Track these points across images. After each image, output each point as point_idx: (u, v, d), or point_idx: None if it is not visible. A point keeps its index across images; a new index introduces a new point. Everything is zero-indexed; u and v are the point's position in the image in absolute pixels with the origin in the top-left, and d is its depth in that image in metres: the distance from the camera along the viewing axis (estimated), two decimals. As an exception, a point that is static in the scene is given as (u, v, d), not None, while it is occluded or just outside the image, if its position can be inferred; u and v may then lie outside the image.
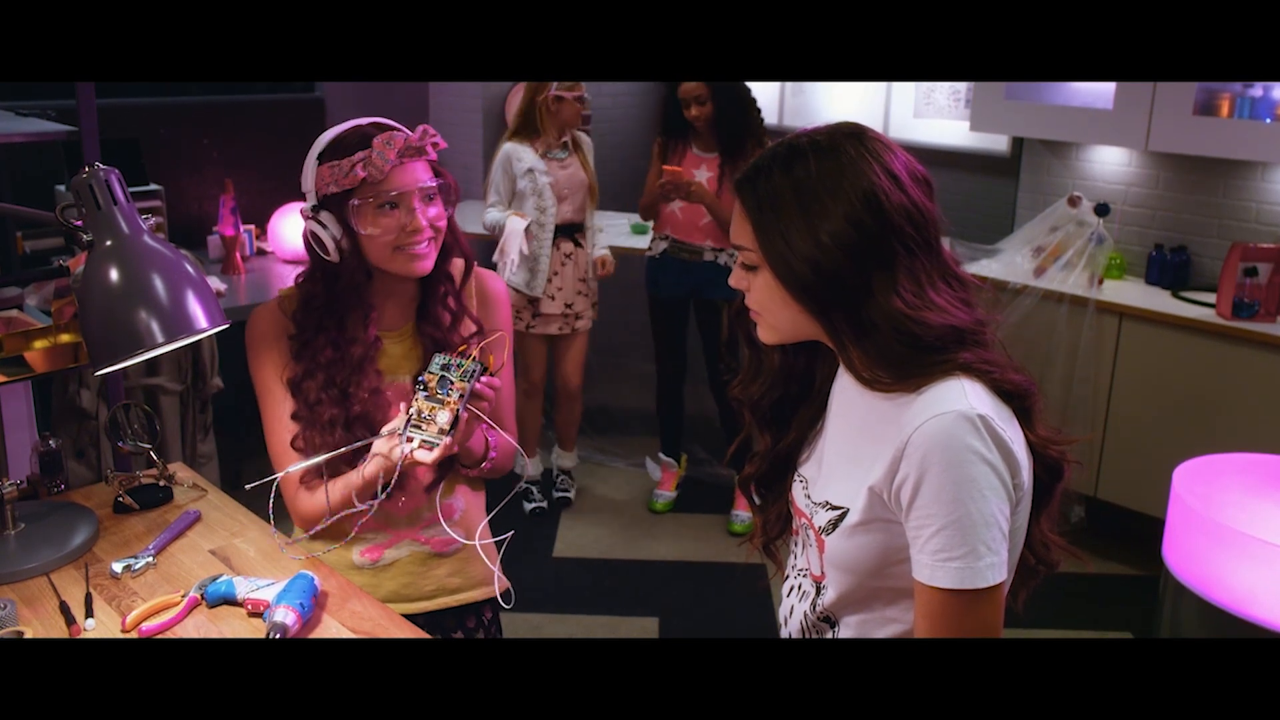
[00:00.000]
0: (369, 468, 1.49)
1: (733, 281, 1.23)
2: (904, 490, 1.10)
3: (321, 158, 1.50)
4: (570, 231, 3.54)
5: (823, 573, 1.24)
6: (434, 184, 1.53)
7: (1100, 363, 3.37)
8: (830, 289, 1.12)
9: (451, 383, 1.45)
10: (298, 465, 1.52)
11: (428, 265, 1.55)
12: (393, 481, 1.47)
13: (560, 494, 3.82)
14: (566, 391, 3.75)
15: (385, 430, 1.49)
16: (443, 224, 1.56)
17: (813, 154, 1.13)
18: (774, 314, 1.19)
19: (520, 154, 3.44)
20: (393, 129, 1.51)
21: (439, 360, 1.48)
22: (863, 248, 1.10)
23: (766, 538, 1.38)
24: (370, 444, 1.50)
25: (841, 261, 1.11)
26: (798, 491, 1.30)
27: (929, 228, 1.14)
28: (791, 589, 1.33)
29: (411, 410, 1.45)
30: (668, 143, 3.50)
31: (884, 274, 1.11)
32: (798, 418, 1.32)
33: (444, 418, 1.44)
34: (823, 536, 1.21)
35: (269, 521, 1.54)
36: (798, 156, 1.14)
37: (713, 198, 3.37)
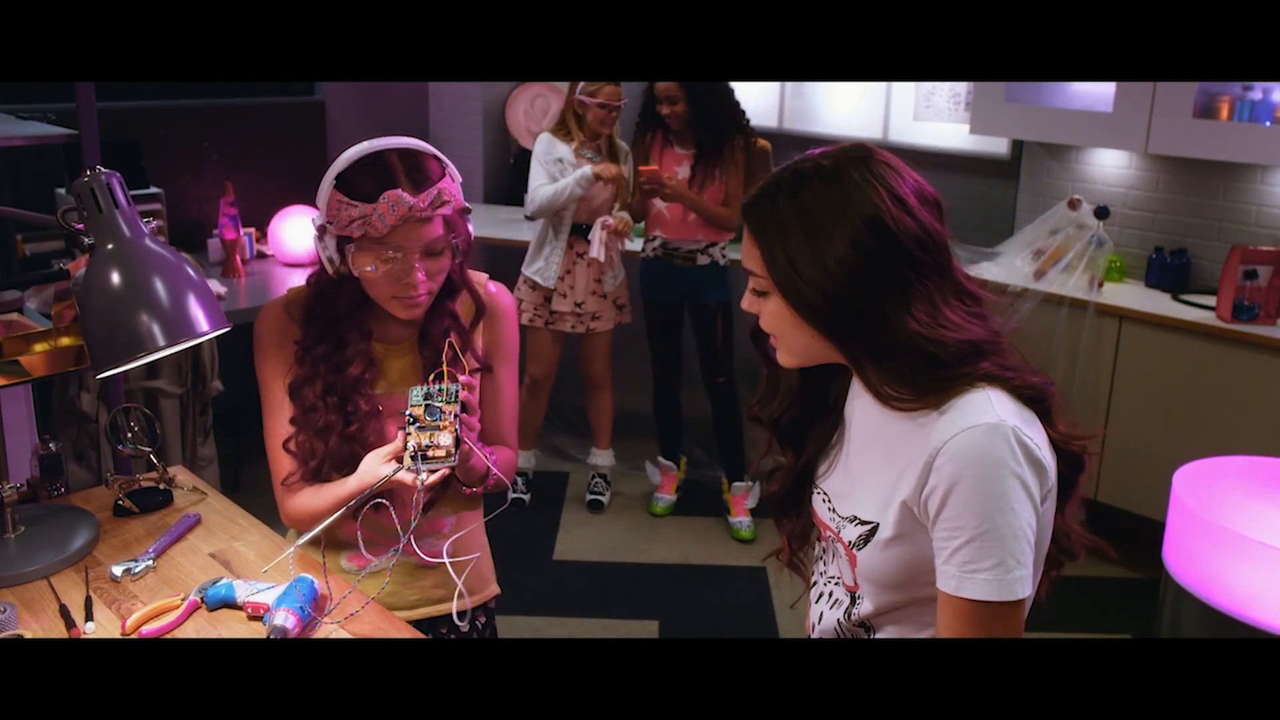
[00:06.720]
0: (350, 486, 1.49)
1: (745, 305, 1.22)
2: (932, 500, 1.10)
3: (338, 181, 1.46)
4: (586, 233, 3.53)
5: (856, 583, 1.24)
6: (441, 240, 1.49)
7: (1100, 366, 3.37)
8: (842, 315, 1.11)
9: (440, 408, 1.46)
10: (306, 536, 1.49)
11: (419, 313, 1.55)
12: (366, 504, 1.46)
13: (592, 497, 3.79)
14: (593, 383, 3.74)
15: (377, 455, 1.48)
16: (443, 277, 1.54)
17: (817, 179, 1.12)
18: (789, 338, 1.19)
19: (555, 144, 3.48)
20: (409, 178, 1.44)
21: (419, 391, 1.47)
22: (870, 273, 1.09)
23: (792, 553, 1.38)
24: (373, 502, 1.48)
25: (850, 287, 1.10)
26: (820, 506, 1.30)
27: (939, 251, 1.13)
28: (821, 595, 1.33)
29: (410, 445, 1.44)
30: (649, 139, 3.49)
31: (896, 299, 1.10)
32: (815, 433, 1.31)
33: (446, 440, 1.44)
34: (854, 551, 1.21)
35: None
36: (802, 181, 1.13)
37: (690, 195, 3.36)
